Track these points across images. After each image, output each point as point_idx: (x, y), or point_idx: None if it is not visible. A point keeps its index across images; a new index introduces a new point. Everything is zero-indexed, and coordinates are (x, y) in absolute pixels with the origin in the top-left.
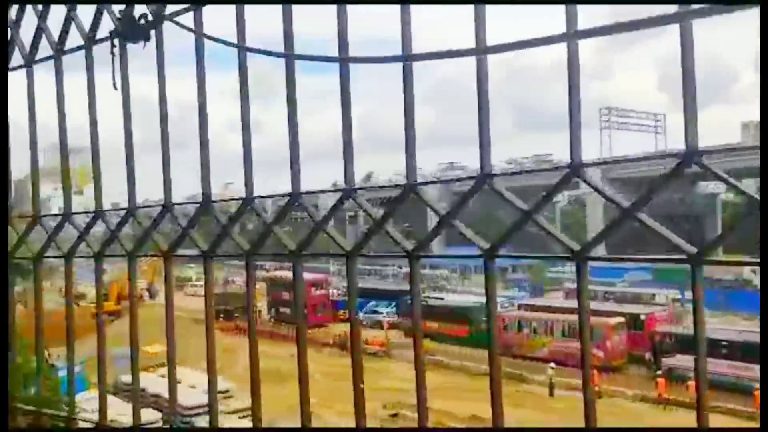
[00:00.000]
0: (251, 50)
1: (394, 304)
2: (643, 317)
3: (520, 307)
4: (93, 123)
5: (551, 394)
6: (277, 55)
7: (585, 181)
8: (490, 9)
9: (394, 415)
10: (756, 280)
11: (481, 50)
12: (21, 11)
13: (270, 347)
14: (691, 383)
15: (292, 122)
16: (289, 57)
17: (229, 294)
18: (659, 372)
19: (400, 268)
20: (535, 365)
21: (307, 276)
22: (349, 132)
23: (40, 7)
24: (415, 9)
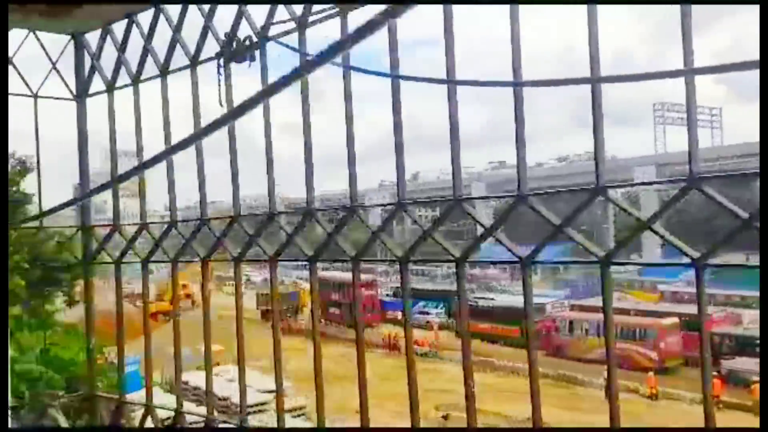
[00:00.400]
0: (355, 69)
1: (443, 304)
2: None
3: (572, 308)
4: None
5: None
6: (383, 75)
7: (704, 192)
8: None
9: (446, 417)
10: None
11: (594, 79)
12: (128, 31)
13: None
14: (755, 386)
15: (399, 139)
16: (396, 78)
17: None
18: (715, 373)
19: (449, 268)
20: (590, 367)
21: None
22: (457, 149)
23: (146, 29)
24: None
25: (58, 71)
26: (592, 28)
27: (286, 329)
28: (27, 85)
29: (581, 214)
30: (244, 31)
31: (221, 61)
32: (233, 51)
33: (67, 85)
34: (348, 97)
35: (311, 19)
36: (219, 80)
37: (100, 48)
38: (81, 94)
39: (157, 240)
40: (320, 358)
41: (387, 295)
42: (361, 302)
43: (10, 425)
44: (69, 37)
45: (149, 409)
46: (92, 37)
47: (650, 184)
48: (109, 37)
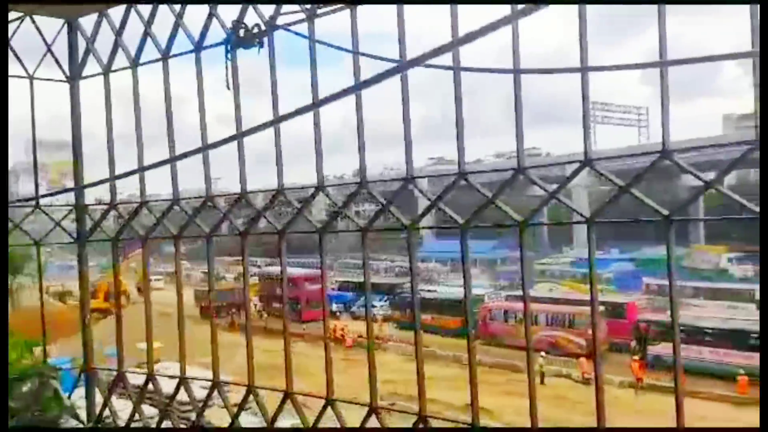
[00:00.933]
0: (366, 55)
1: (386, 297)
2: (624, 306)
3: (507, 298)
4: (203, 125)
5: (542, 381)
6: (388, 60)
7: (675, 162)
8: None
9: (392, 405)
10: (731, 270)
11: (582, 68)
12: (126, 16)
13: (263, 342)
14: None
15: (407, 126)
16: (404, 64)
17: (218, 291)
18: (635, 357)
19: (392, 262)
20: (523, 354)
21: (301, 271)
22: (461, 126)
23: (146, 16)
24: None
25: (53, 54)
26: (581, 25)
27: (229, 325)
28: (24, 66)
29: (569, 182)
30: (251, 19)
31: (229, 47)
32: (241, 37)
33: (60, 67)
34: (404, 80)
35: (320, 11)
36: (227, 65)
37: (96, 31)
38: (75, 77)
39: (159, 217)
40: (329, 354)
41: (332, 288)
42: (305, 298)
43: (12, 412)
44: (62, 20)
45: (151, 377)
46: (86, 22)
47: (635, 156)
48: (104, 22)
